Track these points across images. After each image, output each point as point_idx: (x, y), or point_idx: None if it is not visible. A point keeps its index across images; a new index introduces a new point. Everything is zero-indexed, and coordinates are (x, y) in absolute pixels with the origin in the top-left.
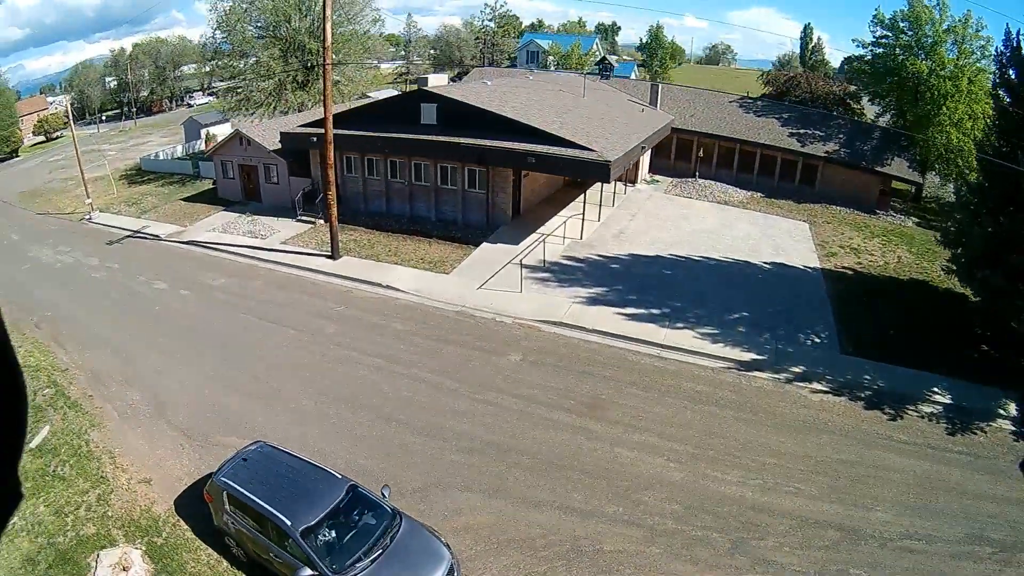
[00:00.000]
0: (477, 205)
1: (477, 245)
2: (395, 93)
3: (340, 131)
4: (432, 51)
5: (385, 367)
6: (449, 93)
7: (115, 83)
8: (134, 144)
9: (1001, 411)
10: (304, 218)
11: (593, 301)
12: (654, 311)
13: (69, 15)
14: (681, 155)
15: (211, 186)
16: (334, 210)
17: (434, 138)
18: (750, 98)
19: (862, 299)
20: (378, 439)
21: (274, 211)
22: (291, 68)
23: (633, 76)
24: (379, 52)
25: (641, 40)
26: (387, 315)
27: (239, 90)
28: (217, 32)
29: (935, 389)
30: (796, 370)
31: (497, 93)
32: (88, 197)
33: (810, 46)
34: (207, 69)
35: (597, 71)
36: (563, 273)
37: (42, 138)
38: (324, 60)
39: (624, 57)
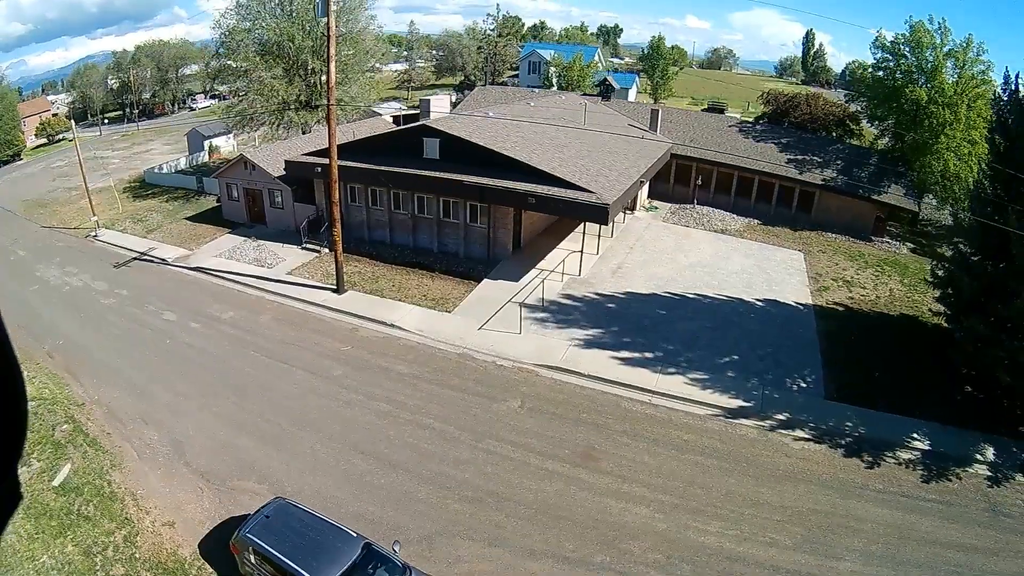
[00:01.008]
0: (479, 239)
1: (479, 281)
2: (398, 106)
3: (344, 162)
4: (434, 52)
5: (391, 412)
6: (451, 129)
7: (117, 84)
8: (137, 152)
9: (978, 456)
10: (309, 246)
11: (589, 344)
12: (647, 355)
13: (71, 11)
14: (680, 180)
15: (215, 203)
16: (339, 247)
17: (436, 174)
18: (749, 122)
19: (850, 339)
20: (386, 487)
21: (279, 236)
22: (295, 89)
23: (634, 87)
24: (382, 53)
25: (643, 50)
26: (392, 357)
27: (242, 109)
28: (220, 50)
29: (915, 435)
30: (780, 417)
31: (499, 125)
32: (94, 215)
33: (812, 52)
34: (209, 71)
35: (598, 92)
36: (561, 313)
37: (44, 140)
38: (329, 100)
39: (627, 59)
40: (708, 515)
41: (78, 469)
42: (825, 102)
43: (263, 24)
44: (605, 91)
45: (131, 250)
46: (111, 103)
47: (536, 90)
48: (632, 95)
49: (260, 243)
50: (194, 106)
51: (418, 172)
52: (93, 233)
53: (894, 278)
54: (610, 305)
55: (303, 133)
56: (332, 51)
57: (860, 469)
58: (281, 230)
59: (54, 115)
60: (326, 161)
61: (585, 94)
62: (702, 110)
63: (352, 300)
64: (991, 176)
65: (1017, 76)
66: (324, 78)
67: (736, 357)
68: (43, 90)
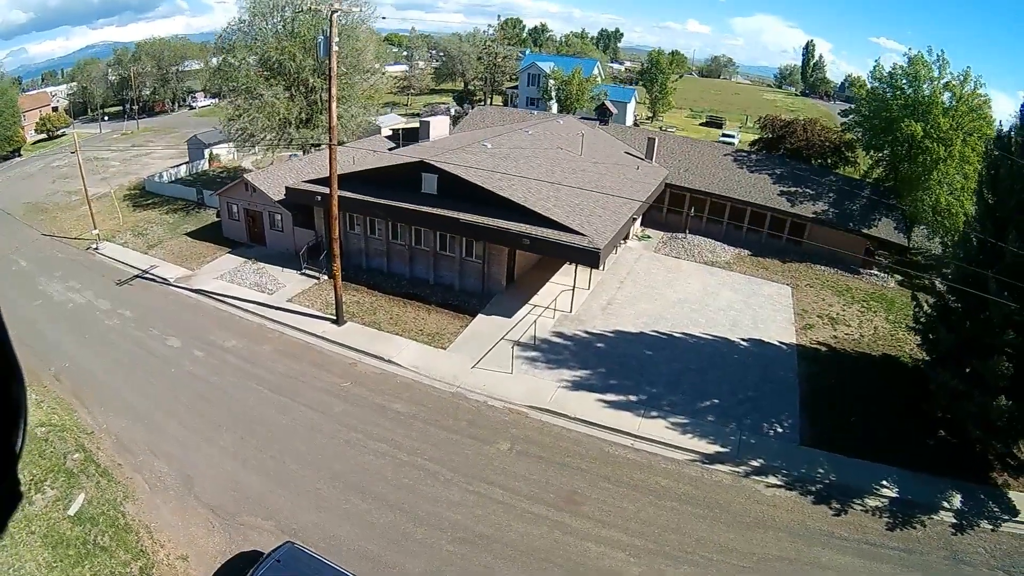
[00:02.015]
0: (474, 272)
1: (473, 316)
2: (397, 119)
3: (343, 193)
4: (434, 52)
5: (389, 452)
6: (448, 166)
7: (117, 80)
8: (136, 154)
9: (945, 503)
10: (309, 272)
11: (577, 385)
12: (632, 397)
13: None
14: (673, 207)
15: (215, 218)
16: (339, 281)
17: (433, 211)
18: (744, 151)
19: (830, 381)
20: (384, 527)
21: (279, 258)
22: (296, 106)
23: (633, 101)
24: (382, 73)
25: (643, 64)
26: (389, 394)
27: (243, 126)
28: (222, 67)
29: (884, 481)
30: (755, 463)
31: (497, 157)
32: (95, 228)
33: (811, 63)
34: (210, 85)
35: (596, 115)
36: (552, 352)
37: (44, 136)
38: (331, 140)
39: (627, 63)
40: (680, 560)
41: (92, 499)
42: (822, 128)
43: (265, 43)
44: (602, 115)
45: (133, 267)
46: (111, 98)
47: (535, 111)
48: (631, 109)
49: (260, 266)
50: (194, 105)
51: (416, 208)
52: (94, 246)
53: (880, 314)
54: (599, 344)
55: (303, 151)
56: (334, 91)
57: (827, 516)
58: (281, 252)
59: (54, 110)
60: (326, 190)
61: (584, 117)
62: (700, 123)
63: (351, 333)
64: (976, 235)
65: (1011, 130)
66: (325, 95)
67: (717, 401)
68: (43, 79)
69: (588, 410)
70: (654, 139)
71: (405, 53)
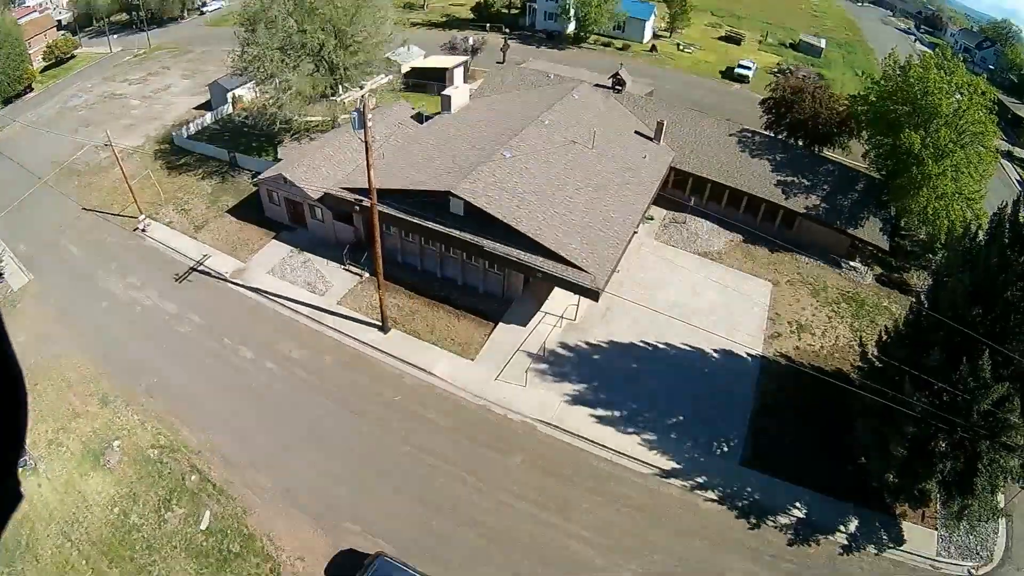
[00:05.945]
0: (496, 280)
1: (495, 323)
2: (418, 54)
3: (381, 207)
4: None
5: (437, 465)
6: (473, 196)
7: None
8: (156, 89)
9: (842, 527)
10: (352, 269)
11: (575, 399)
12: (616, 413)
13: None
14: (678, 185)
15: (252, 185)
16: (384, 300)
17: (459, 234)
18: (749, 131)
19: (779, 399)
20: (438, 529)
21: (321, 246)
22: (322, 83)
23: (651, 18)
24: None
25: None
26: (433, 408)
27: (272, 113)
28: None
29: (797, 503)
30: (700, 480)
31: (514, 173)
32: (142, 213)
33: None
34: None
35: (612, 84)
36: (557, 364)
37: (53, 61)
38: (371, 199)
39: None
40: (631, 556)
41: (216, 514)
42: (830, 96)
43: (285, 23)
44: (617, 84)
45: (185, 255)
46: (116, 5)
47: (550, 76)
48: (649, 25)
49: (306, 257)
50: (204, 9)
51: (445, 230)
52: (141, 227)
53: (845, 321)
54: (595, 356)
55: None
56: (370, 158)
57: (744, 529)
58: (323, 239)
59: (59, 30)
60: (364, 200)
61: (598, 84)
62: (718, 37)
63: (395, 342)
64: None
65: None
66: (350, 66)
67: (682, 418)
68: None
69: (581, 425)
70: (662, 123)
71: None
